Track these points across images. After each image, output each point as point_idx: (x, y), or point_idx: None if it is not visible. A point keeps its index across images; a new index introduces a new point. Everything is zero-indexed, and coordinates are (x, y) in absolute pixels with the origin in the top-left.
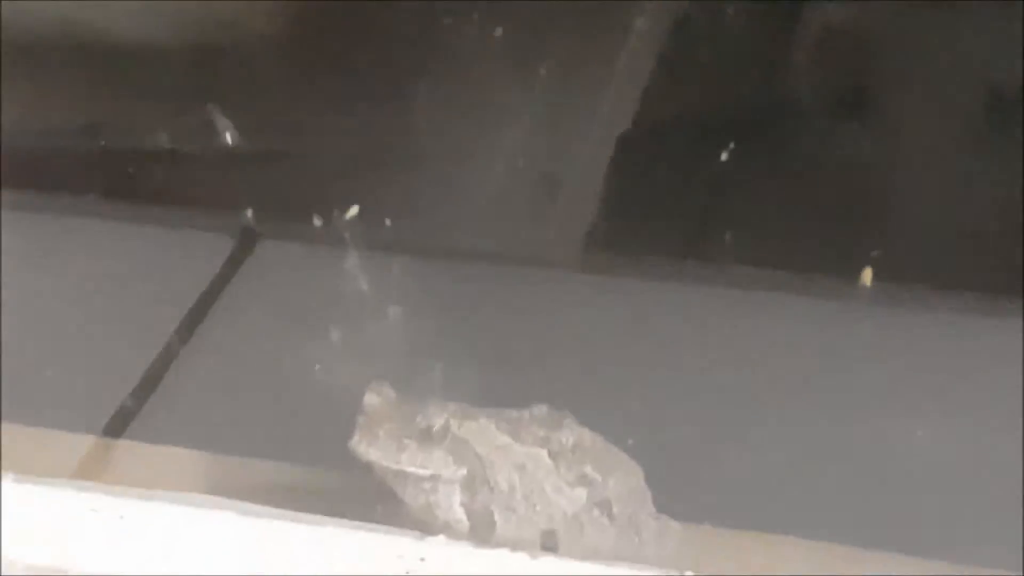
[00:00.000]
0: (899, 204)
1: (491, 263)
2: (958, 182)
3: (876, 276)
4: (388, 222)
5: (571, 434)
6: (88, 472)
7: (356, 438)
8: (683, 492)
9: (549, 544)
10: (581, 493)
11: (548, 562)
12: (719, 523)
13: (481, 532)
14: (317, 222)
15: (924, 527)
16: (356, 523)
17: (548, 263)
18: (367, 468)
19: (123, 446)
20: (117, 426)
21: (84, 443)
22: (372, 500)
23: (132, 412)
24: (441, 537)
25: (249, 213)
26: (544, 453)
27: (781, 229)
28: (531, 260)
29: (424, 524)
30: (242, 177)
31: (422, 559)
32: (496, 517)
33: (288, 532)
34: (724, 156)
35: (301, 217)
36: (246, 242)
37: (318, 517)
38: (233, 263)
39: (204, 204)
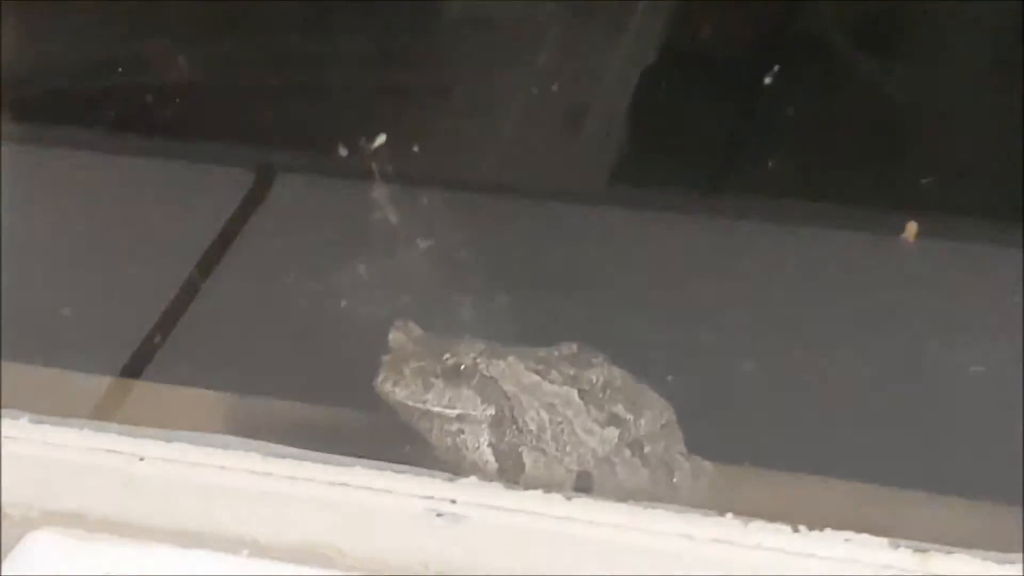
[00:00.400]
0: (943, 137)
1: (521, 195)
2: (1002, 112)
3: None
4: (416, 151)
5: (601, 373)
6: (106, 414)
7: (381, 377)
8: (716, 431)
9: (583, 485)
10: (612, 433)
11: (583, 503)
12: (753, 463)
13: (509, 473)
14: (343, 152)
15: (964, 467)
16: (384, 464)
17: (578, 195)
18: (393, 408)
19: (141, 387)
20: (135, 367)
21: (101, 384)
22: (398, 441)
23: (151, 352)
24: (472, 478)
25: (273, 144)
26: (574, 392)
27: (817, 160)
28: (561, 192)
29: (451, 465)
30: (262, 109)
31: (452, 500)
32: (525, 458)
33: (314, 473)
34: (766, 81)
35: (325, 148)
36: (266, 176)
37: (345, 458)
38: (253, 198)
39: (223, 137)
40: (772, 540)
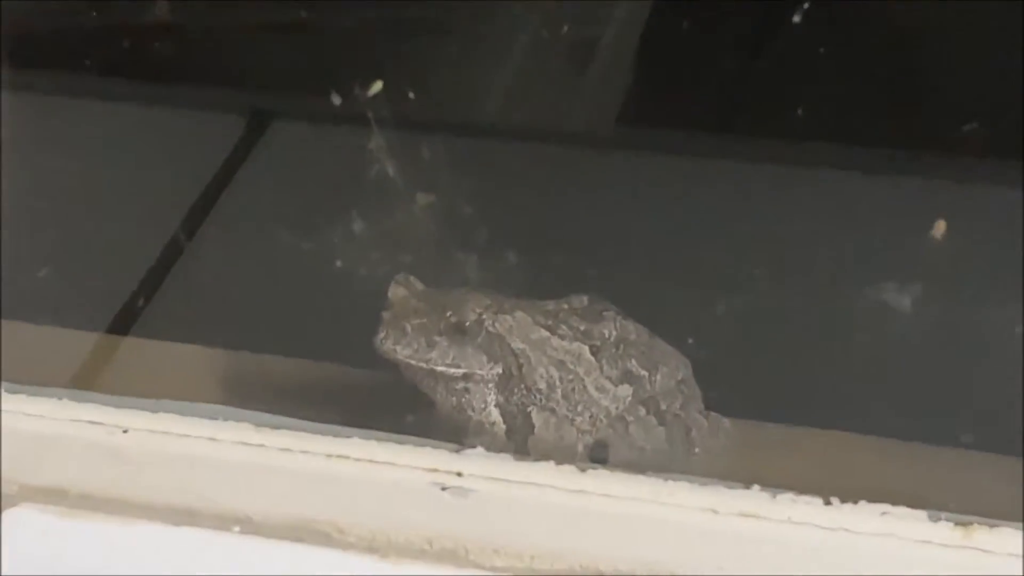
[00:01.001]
0: (973, 78)
1: (524, 140)
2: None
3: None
4: (412, 96)
5: (613, 327)
6: (91, 375)
7: (381, 335)
8: (735, 386)
9: (598, 456)
10: (626, 391)
11: (599, 475)
12: (775, 419)
13: (518, 435)
14: (336, 100)
15: (1009, 427)
16: (385, 434)
17: (587, 139)
18: (394, 367)
19: (126, 347)
20: (120, 325)
21: (82, 346)
22: (399, 402)
23: (138, 307)
24: (480, 449)
25: (261, 91)
26: (585, 348)
27: (834, 100)
28: (569, 137)
29: (456, 427)
30: (252, 53)
31: (458, 473)
32: (534, 418)
33: (310, 444)
34: (795, 18)
35: (318, 95)
36: (258, 123)
37: (342, 428)
38: (244, 146)
39: (211, 83)
40: (802, 513)
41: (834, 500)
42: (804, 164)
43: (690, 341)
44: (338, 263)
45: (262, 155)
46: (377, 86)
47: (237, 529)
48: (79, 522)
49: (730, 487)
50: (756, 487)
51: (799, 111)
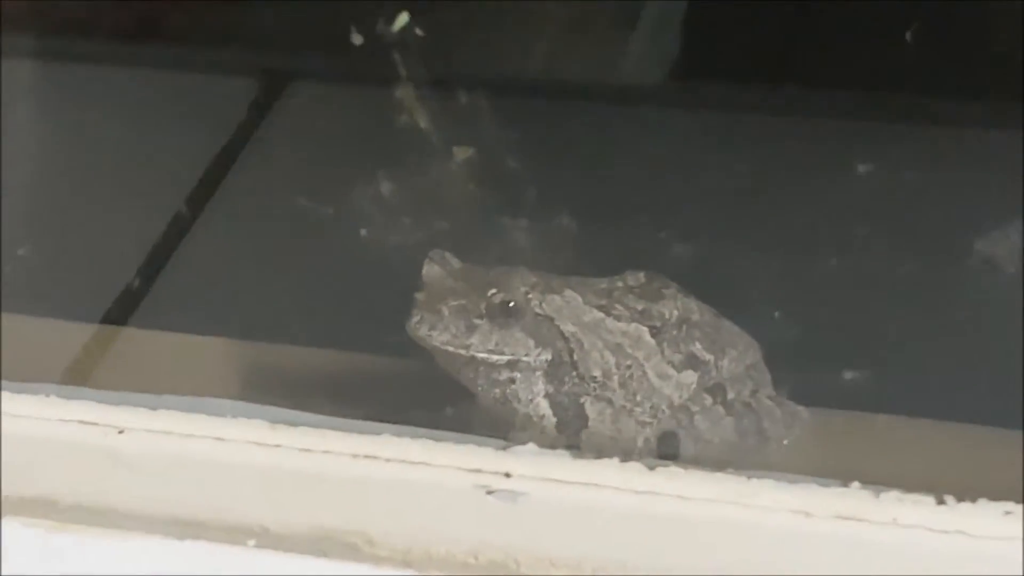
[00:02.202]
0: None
1: (569, 96)
2: None
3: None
4: (448, 45)
5: (675, 306)
6: (84, 369)
7: (415, 319)
8: (810, 370)
9: (668, 451)
10: (690, 377)
11: (669, 473)
12: (856, 407)
13: (570, 429)
14: (357, 40)
15: None
16: (419, 430)
17: (639, 94)
18: (429, 355)
19: (128, 335)
20: (121, 311)
21: (80, 333)
22: (435, 395)
23: (139, 293)
24: (531, 446)
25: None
26: (644, 330)
27: (895, 54)
28: (620, 92)
29: (500, 423)
30: (265, 8)
31: (507, 474)
32: (588, 410)
33: (334, 444)
34: None
35: (336, 37)
36: (274, 84)
37: (371, 424)
38: (258, 109)
39: (221, 41)
40: (911, 515)
41: (948, 499)
42: (878, 118)
43: (761, 321)
44: (363, 232)
45: (279, 118)
46: (403, 19)
47: (252, 543)
48: (70, 537)
49: (825, 485)
50: (856, 484)
51: (867, 58)
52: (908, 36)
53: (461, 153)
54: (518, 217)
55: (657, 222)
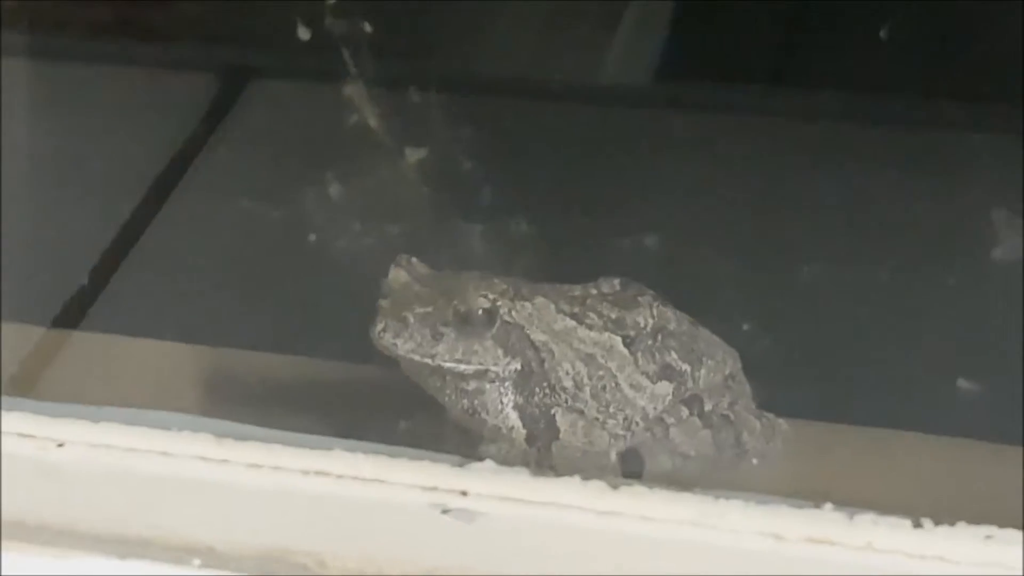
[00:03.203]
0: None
1: (536, 96)
2: None
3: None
4: (398, 41)
5: (650, 314)
6: (22, 379)
7: (379, 327)
8: (791, 381)
9: (633, 468)
10: (665, 388)
11: (635, 493)
12: (838, 420)
13: (540, 441)
14: (304, 35)
15: None
16: (372, 445)
17: (608, 95)
18: (393, 365)
19: (73, 340)
20: (68, 316)
21: (23, 338)
22: (399, 408)
23: (91, 295)
24: (488, 463)
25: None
26: (617, 339)
27: (878, 55)
28: (594, 90)
29: (468, 435)
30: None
31: (463, 492)
32: (559, 421)
33: (284, 459)
34: None
35: (295, 36)
36: (234, 81)
37: (321, 439)
38: (217, 110)
39: (179, 38)
40: (887, 539)
41: (925, 522)
42: (862, 120)
43: (741, 329)
44: (312, 237)
45: (237, 118)
46: None
47: (197, 563)
48: (5, 556)
49: (796, 506)
50: (828, 506)
51: (851, 59)
52: (883, 34)
53: (414, 154)
54: (473, 221)
55: (620, 226)
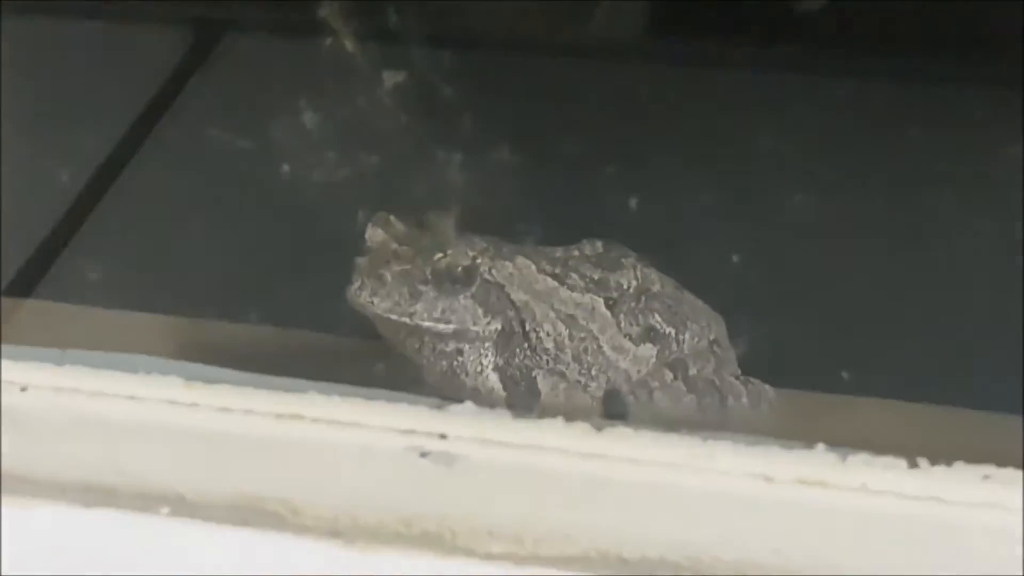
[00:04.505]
0: None
1: (525, 49)
2: None
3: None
4: None
5: (633, 275)
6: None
7: (355, 284)
8: (778, 348)
9: (616, 410)
10: (648, 351)
11: (618, 435)
12: (829, 389)
13: (520, 403)
14: None
15: None
16: (349, 388)
17: (597, 48)
18: (369, 324)
19: (31, 305)
20: (25, 280)
21: None
22: (376, 366)
23: (47, 259)
24: (468, 404)
25: None
26: (599, 301)
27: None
28: (575, 45)
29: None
30: None
31: (442, 435)
32: (540, 384)
33: (256, 402)
34: None
35: None
36: (205, 36)
37: (296, 381)
38: (189, 64)
39: None
40: (881, 480)
41: (922, 462)
42: (853, 74)
43: (724, 294)
44: (285, 168)
45: (209, 73)
46: None
47: (166, 511)
48: None
49: (787, 447)
50: (820, 446)
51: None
52: None
53: (391, 78)
54: (453, 151)
55: (617, 186)
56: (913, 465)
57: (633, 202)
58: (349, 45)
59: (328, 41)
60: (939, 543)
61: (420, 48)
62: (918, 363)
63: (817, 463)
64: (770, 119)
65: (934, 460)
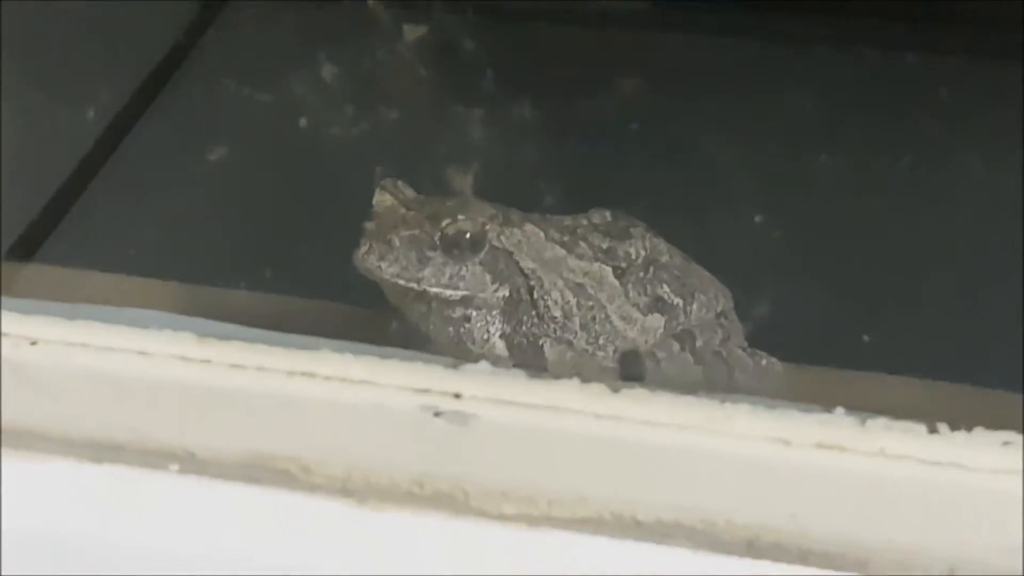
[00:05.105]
0: None
1: (531, 13)
2: None
3: None
4: None
5: (642, 245)
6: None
7: (363, 248)
8: (785, 323)
9: (633, 369)
10: (656, 321)
11: (636, 396)
12: (840, 364)
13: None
14: None
15: None
16: (363, 346)
17: (597, 11)
18: (376, 290)
19: (34, 271)
20: (29, 243)
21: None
22: (382, 333)
23: (49, 224)
24: (483, 364)
25: None
26: (608, 270)
27: None
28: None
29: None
30: None
31: (456, 395)
32: (547, 352)
33: (268, 359)
34: None
35: None
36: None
37: (309, 339)
38: (193, 30)
39: None
40: (901, 444)
41: (941, 427)
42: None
43: (733, 266)
44: (303, 122)
45: (215, 39)
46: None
47: (175, 468)
48: None
49: (806, 410)
50: (839, 410)
51: None
52: None
53: (412, 33)
54: (473, 106)
55: (626, 154)
56: (932, 430)
57: (652, 167)
58: (369, 35)
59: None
60: (958, 508)
61: (441, 3)
62: (937, 340)
63: (836, 426)
64: (793, 87)
65: (954, 425)
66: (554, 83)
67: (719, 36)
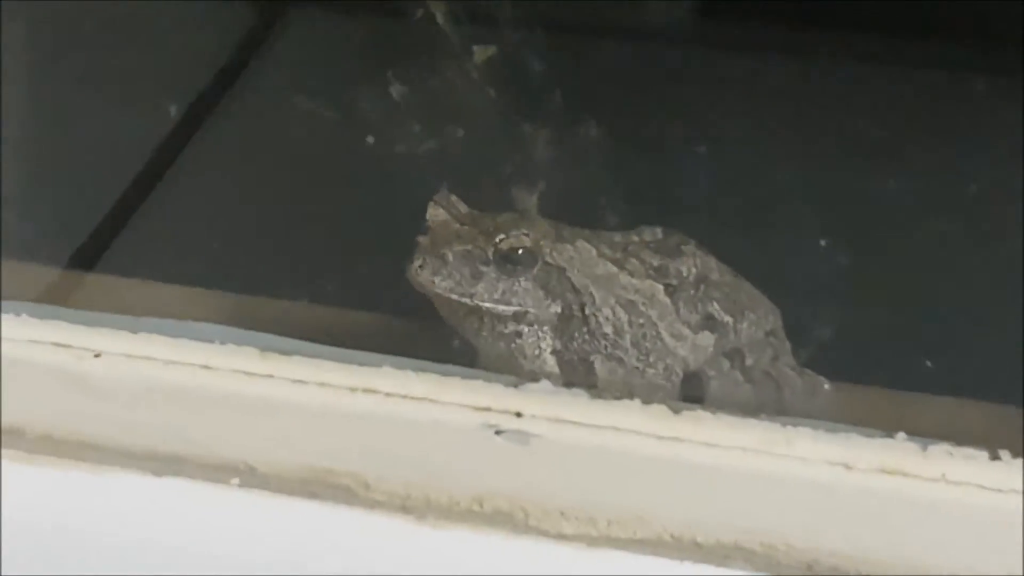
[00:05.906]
0: None
1: (600, 33)
2: None
3: None
4: None
5: (693, 263)
6: (58, 290)
7: (416, 263)
8: (835, 342)
9: (694, 392)
10: (706, 339)
11: (697, 418)
12: (888, 385)
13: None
14: None
15: None
16: (425, 363)
17: (663, 32)
18: (428, 305)
19: (96, 282)
20: (91, 253)
21: (44, 277)
22: (433, 348)
23: (110, 233)
24: (544, 383)
25: None
26: (659, 287)
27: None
28: (667, 28)
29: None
30: None
31: (518, 413)
32: (598, 368)
33: (330, 375)
34: None
35: None
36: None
37: (370, 355)
38: (252, 41)
39: None
40: (962, 470)
41: (1003, 453)
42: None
43: (784, 285)
44: (370, 139)
45: (273, 51)
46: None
47: (236, 481)
48: (36, 470)
49: (867, 435)
50: (901, 435)
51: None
52: None
53: (482, 53)
54: (540, 126)
55: (680, 172)
56: (995, 457)
57: (715, 186)
58: (440, 18)
59: (419, 13)
60: (1020, 536)
61: (511, 24)
62: (998, 362)
63: (898, 451)
64: (858, 106)
65: (1016, 452)
66: (621, 102)
67: (789, 57)
